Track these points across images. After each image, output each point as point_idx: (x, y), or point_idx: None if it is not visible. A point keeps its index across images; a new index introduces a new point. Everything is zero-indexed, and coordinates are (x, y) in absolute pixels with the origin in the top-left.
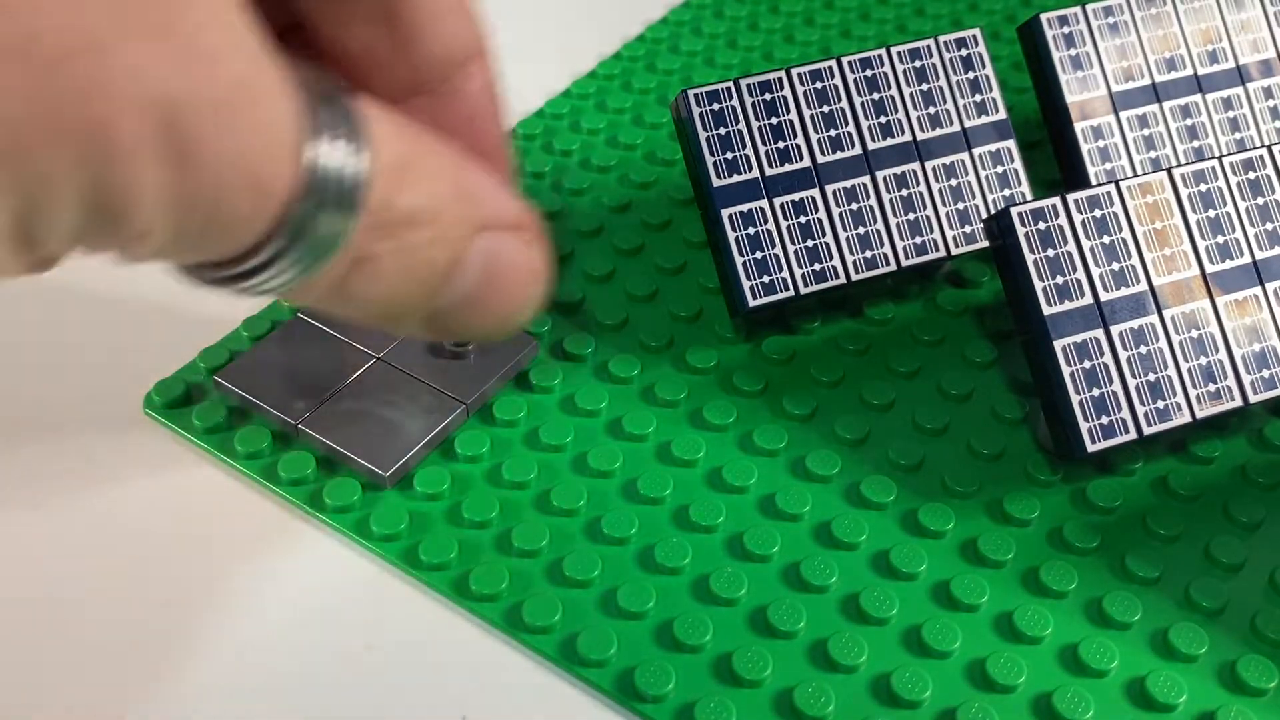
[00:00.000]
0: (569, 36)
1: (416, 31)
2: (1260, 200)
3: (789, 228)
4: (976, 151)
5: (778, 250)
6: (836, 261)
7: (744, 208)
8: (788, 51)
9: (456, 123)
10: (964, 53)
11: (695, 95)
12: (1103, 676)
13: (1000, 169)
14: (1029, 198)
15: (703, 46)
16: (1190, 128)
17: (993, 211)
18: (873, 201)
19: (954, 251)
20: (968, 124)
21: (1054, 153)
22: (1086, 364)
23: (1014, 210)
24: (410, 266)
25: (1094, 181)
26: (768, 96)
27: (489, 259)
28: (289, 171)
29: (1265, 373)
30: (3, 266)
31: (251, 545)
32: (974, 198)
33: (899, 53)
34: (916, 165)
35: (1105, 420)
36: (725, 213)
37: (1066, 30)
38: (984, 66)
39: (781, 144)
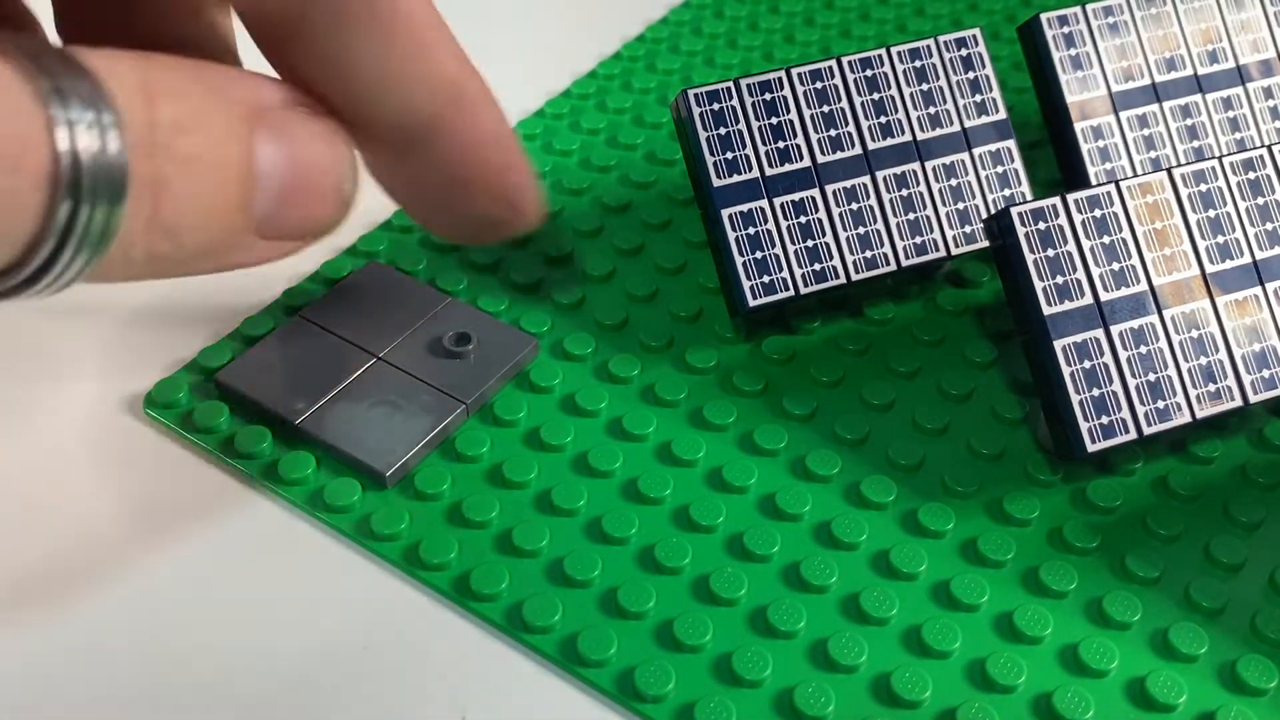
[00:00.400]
0: (569, 36)
1: (374, 107)
2: (1260, 200)
3: (789, 228)
4: (976, 151)
5: (778, 250)
6: (836, 261)
7: (744, 208)
8: (788, 51)
9: (460, 161)
10: (964, 53)
11: (695, 95)
12: (1103, 676)
13: (1000, 169)
14: (1029, 198)
15: (703, 46)
16: (1190, 128)
17: (993, 211)
18: (873, 201)
19: (954, 251)
20: (968, 124)
21: (1054, 153)
22: (1086, 364)
23: (1014, 210)
24: (204, 175)
25: (1094, 181)
26: (768, 96)
27: (280, 141)
28: (41, 162)
29: (1265, 373)
30: None
31: (251, 545)
32: (974, 198)
33: (899, 53)
34: (916, 165)
35: (1105, 420)
36: (725, 213)
37: (1066, 30)
38: (984, 66)
39: (781, 144)
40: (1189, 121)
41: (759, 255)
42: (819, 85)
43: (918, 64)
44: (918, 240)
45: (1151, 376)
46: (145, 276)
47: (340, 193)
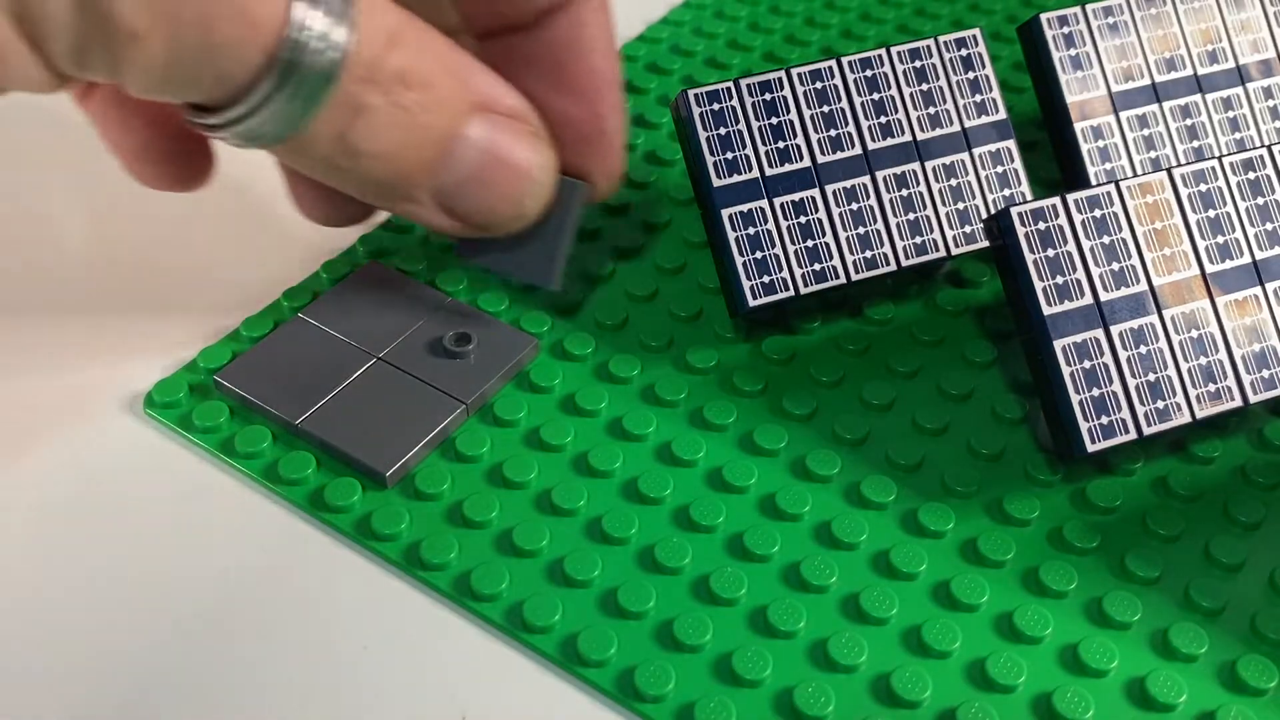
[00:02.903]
0: None
1: None
2: (1260, 200)
3: (789, 228)
4: (976, 151)
5: (778, 250)
6: (836, 261)
7: (744, 208)
8: (788, 52)
9: (550, 75)
10: (964, 53)
11: (695, 95)
12: (1103, 676)
13: (1000, 169)
14: (1029, 198)
15: (703, 47)
16: (1190, 128)
17: (993, 211)
18: (873, 201)
19: (954, 251)
20: (968, 124)
21: (1054, 153)
22: (1086, 364)
23: (1014, 210)
24: (406, 124)
25: (1094, 181)
26: (768, 96)
27: (489, 139)
28: (278, 9)
29: (1265, 373)
30: (24, 73)
31: (251, 545)
32: (974, 198)
33: (899, 53)
34: (916, 165)
35: (1105, 420)
36: (725, 213)
37: (1066, 30)
38: (984, 66)
39: (781, 144)
40: (1189, 121)
41: (759, 255)
42: (819, 85)
43: (918, 64)
44: (918, 240)
45: (1151, 376)
46: (321, 177)
47: (522, 202)
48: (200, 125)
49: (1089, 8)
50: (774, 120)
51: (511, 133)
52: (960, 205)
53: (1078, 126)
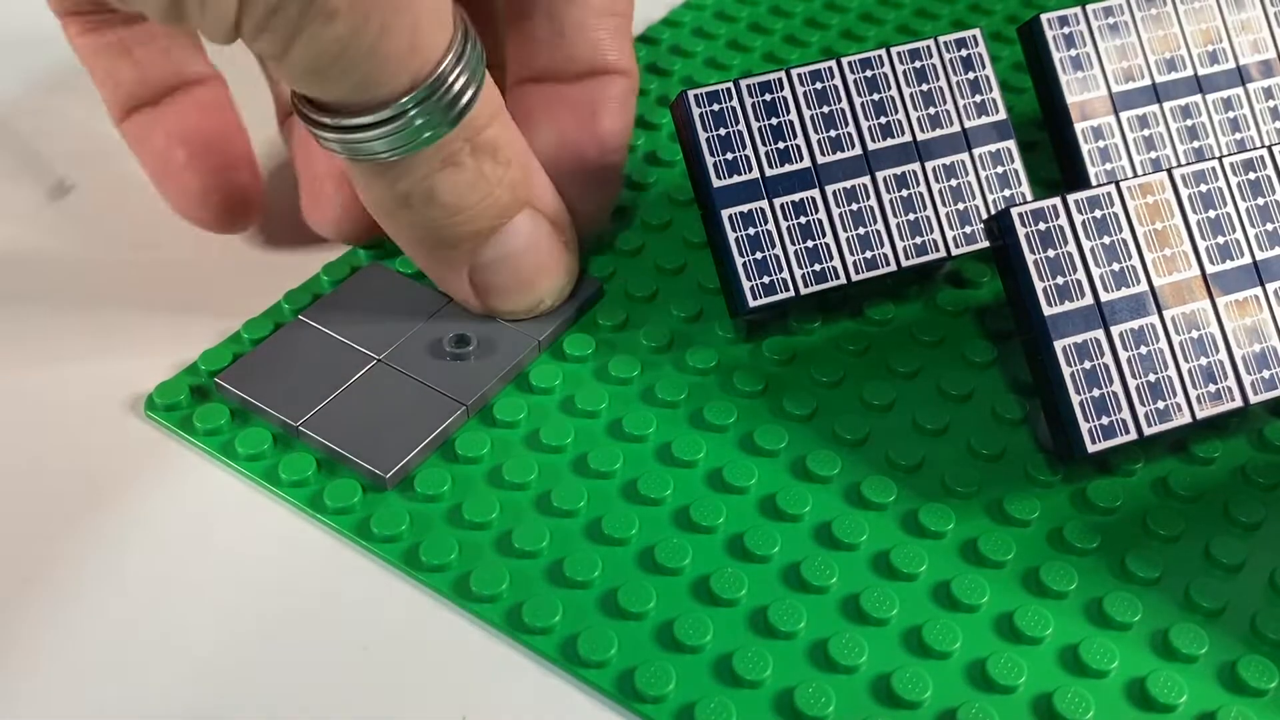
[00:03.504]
0: None
1: (569, 28)
2: (1260, 201)
3: (789, 228)
4: (977, 152)
5: (778, 250)
6: (836, 262)
7: (744, 208)
8: (789, 53)
9: (575, 117)
10: (964, 53)
11: (695, 96)
12: (1103, 677)
13: (1000, 169)
14: (1029, 198)
15: (703, 47)
16: (1190, 128)
17: (993, 212)
18: (873, 202)
19: (954, 252)
20: (968, 124)
21: (1054, 153)
22: (1087, 364)
23: (1014, 210)
24: (482, 192)
25: (1094, 182)
26: (768, 97)
27: (530, 233)
28: (442, 42)
29: (1265, 373)
30: (219, 12)
31: (252, 547)
32: (974, 198)
33: (899, 53)
34: (916, 165)
35: (1105, 421)
36: (725, 213)
37: (1066, 31)
38: (984, 67)
39: (782, 144)
40: (1189, 122)
41: (759, 256)
42: (819, 86)
43: (918, 64)
44: (918, 240)
45: (1152, 377)
46: (384, 212)
47: (542, 298)
48: (314, 122)
49: (1089, 8)
50: (774, 121)
51: (549, 234)
52: (960, 205)
53: (1078, 127)
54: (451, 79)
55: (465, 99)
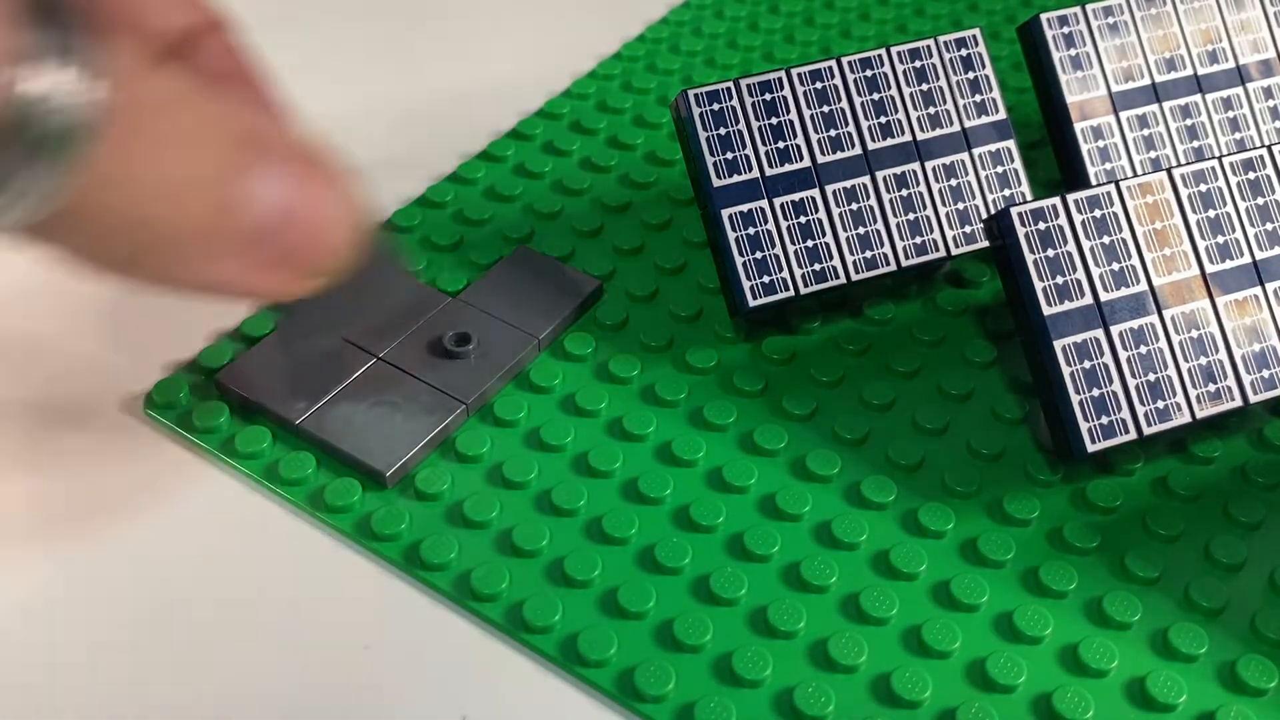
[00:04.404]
0: (569, 36)
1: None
2: (1260, 200)
3: (789, 228)
4: (976, 151)
5: (778, 250)
6: (836, 261)
7: (744, 208)
8: (788, 52)
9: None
10: (964, 53)
11: (695, 95)
12: (1103, 676)
13: (1000, 169)
14: (1029, 198)
15: (703, 47)
16: (1190, 128)
17: (993, 211)
18: (873, 201)
19: (954, 251)
20: (968, 124)
21: (1054, 153)
22: (1086, 364)
23: (1014, 210)
24: (190, 158)
25: (1094, 181)
26: (768, 96)
27: (279, 181)
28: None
29: (1265, 373)
30: None
31: (252, 545)
32: (974, 198)
33: (899, 53)
34: (916, 165)
35: (1105, 420)
36: (725, 213)
37: (1066, 30)
38: (984, 66)
39: (781, 144)
40: (1189, 121)
41: (759, 255)
42: (819, 85)
43: (918, 64)
44: (918, 240)
45: (1151, 376)
46: (97, 254)
47: (340, 230)
48: None
49: (1089, 8)
50: (774, 120)
51: (302, 175)
52: (960, 205)
53: (1078, 126)
54: (38, 101)
55: (81, 88)
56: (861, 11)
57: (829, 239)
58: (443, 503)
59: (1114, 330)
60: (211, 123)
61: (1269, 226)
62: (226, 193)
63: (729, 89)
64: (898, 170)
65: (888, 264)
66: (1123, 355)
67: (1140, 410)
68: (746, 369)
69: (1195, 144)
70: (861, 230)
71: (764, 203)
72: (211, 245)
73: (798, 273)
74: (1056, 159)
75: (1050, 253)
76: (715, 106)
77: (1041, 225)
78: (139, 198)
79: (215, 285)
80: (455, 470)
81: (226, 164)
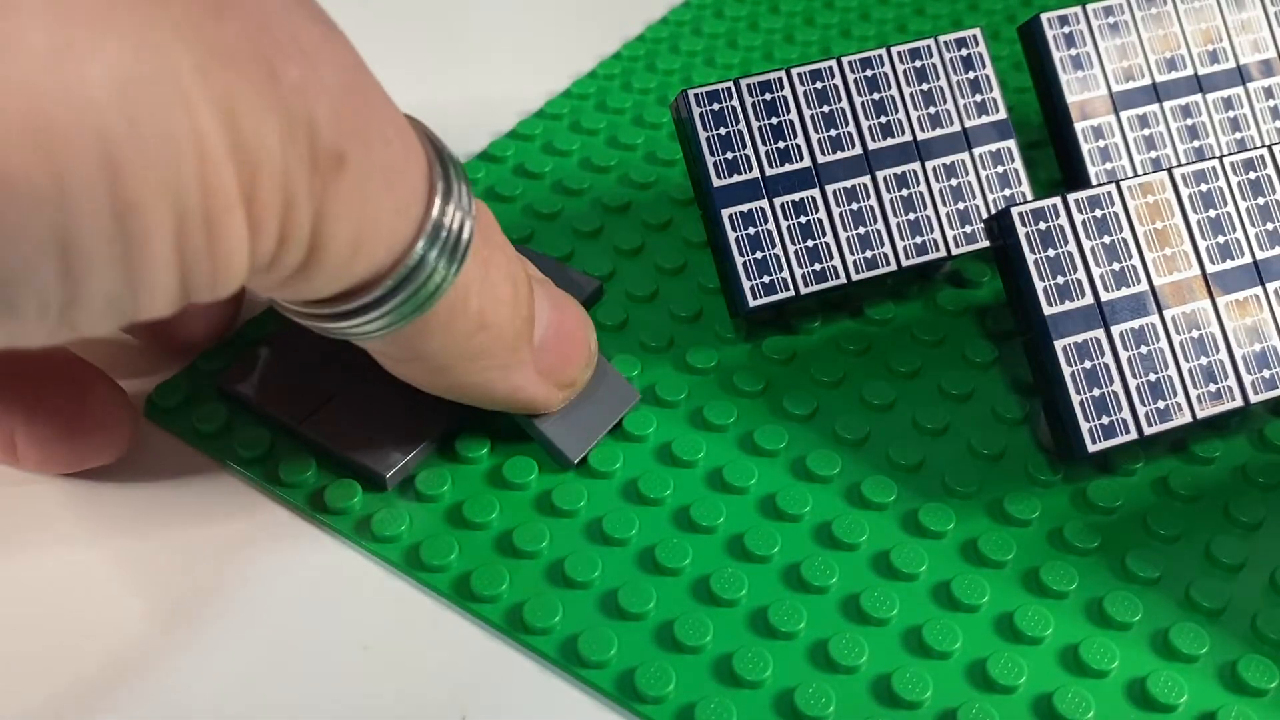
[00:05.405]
0: (569, 36)
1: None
2: (1261, 200)
3: (789, 228)
4: (977, 151)
5: (778, 250)
6: (837, 261)
7: (744, 208)
8: (788, 51)
9: None
10: (964, 52)
11: (695, 95)
12: (1103, 677)
13: (1000, 169)
14: (1029, 198)
15: (703, 46)
16: (1191, 128)
17: (993, 211)
18: (873, 201)
19: (954, 251)
20: (968, 124)
21: (1054, 153)
22: (1087, 364)
23: (1014, 210)
24: (511, 295)
25: (1094, 181)
26: (768, 96)
27: (548, 304)
28: (413, 231)
29: (1266, 373)
30: (232, 254)
31: (252, 547)
32: (974, 198)
33: (899, 53)
34: (917, 165)
35: (1106, 420)
36: (725, 213)
37: (1067, 30)
38: (984, 66)
39: (782, 144)
40: (1189, 121)
41: (759, 255)
42: (819, 85)
43: (918, 64)
44: (918, 240)
45: (1152, 376)
46: (429, 375)
47: (590, 348)
48: (314, 317)
49: (1089, 7)
50: (774, 120)
51: (559, 299)
52: (960, 205)
53: (1078, 126)
54: (448, 220)
55: (462, 238)
56: (861, 11)
57: (829, 239)
58: (443, 504)
59: (1115, 330)
60: (509, 246)
61: (1269, 226)
62: (529, 307)
63: (729, 89)
64: (898, 170)
65: (888, 264)
66: (1123, 355)
67: (1141, 410)
68: (747, 369)
69: (1196, 144)
70: (862, 230)
71: (764, 203)
72: (520, 352)
73: (798, 273)
74: (1057, 159)
75: (1051, 252)
76: (715, 106)
77: (1042, 225)
78: (489, 302)
79: (512, 388)
80: (455, 472)
81: (524, 281)
